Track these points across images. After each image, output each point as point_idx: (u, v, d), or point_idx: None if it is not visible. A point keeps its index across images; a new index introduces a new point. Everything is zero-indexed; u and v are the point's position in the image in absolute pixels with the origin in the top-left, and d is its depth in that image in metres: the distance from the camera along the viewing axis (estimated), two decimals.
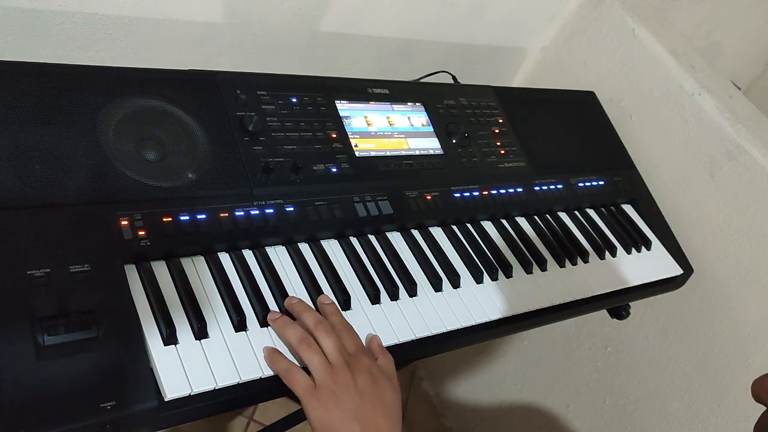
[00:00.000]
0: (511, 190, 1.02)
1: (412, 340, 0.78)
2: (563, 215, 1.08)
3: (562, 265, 0.99)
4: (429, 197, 0.92)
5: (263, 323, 0.70)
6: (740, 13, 2.00)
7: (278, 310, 0.72)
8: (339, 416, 0.65)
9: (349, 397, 0.66)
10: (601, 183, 1.16)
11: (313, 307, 0.74)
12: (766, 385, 0.53)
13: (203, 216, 0.72)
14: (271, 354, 0.67)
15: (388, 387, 0.69)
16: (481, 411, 1.76)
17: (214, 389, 0.63)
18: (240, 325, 0.68)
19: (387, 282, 0.81)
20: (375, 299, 0.78)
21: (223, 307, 0.69)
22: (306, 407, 0.66)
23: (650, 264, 1.10)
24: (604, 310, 1.15)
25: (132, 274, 0.66)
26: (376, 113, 0.95)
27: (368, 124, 0.93)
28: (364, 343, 0.73)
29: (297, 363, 0.68)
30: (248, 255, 0.75)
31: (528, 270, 0.94)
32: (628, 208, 1.19)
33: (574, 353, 1.49)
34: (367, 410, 0.66)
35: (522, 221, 1.02)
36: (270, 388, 0.67)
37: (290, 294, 0.74)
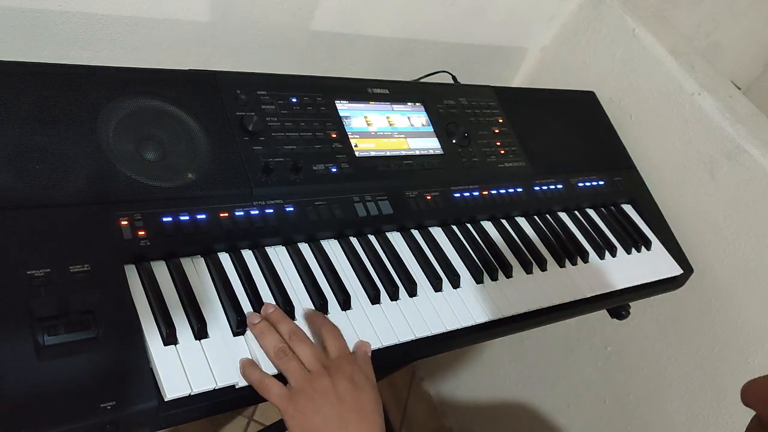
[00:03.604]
0: (511, 190, 1.02)
1: (412, 340, 0.78)
2: (563, 215, 1.08)
3: (562, 265, 0.99)
4: (429, 197, 0.92)
5: None
6: (740, 13, 2.00)
7: (258, 313, 0.70)
8: (318, 423, 0.63)
9: (329, 402, 0.64)
10: (601, 183, 1.16)
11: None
12: (755, 389, 0.51)
13: (203, 216, 0.72)
14: (245, 366, 0.65)
15: (371, 394, 0.67)
16: (482, 411, 1.76)
17: (214, 389, 0.63)
18: (240, 325, 0.68)
19: (387, 282, 0.81)
20: (375, 299, 0.78)
21: (223, 307, 0.69)
22: (284, 415, 0.64)
23: (650, 264, 1.10)
24: (604, 310, 1.15)
25: (132, 274, 0.66)
26: (376, 113, 0.95)
27: (368, 124, 0.93)
28: (351, 350, 0.71)
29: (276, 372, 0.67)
30: (248, 255, 0.75)
31: (528, 270, 0.94)
32: (628, 208, 1.19)
33: (574, 353, 1.49)
34: (348, 416, 0.64)
35: (522, 221, 1.02)
36: None
37: (290, 294, 0.74)
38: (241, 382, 0.64)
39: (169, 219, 0.70)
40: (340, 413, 0.64)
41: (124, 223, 0.67)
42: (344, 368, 0.67)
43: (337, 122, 0.89)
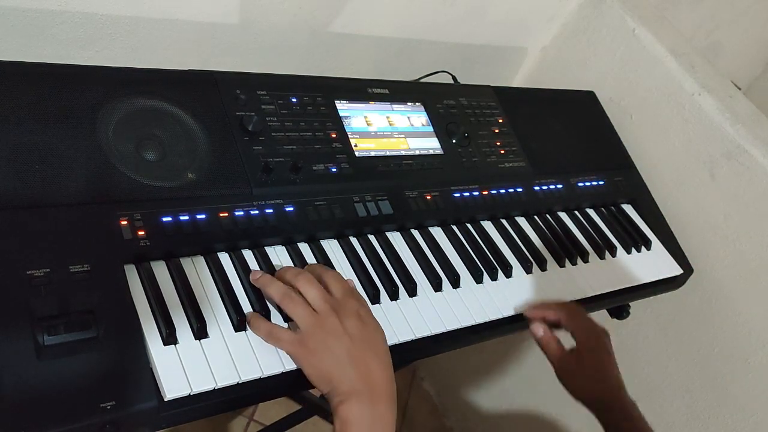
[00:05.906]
0: (511, 190, 1.02)
1: (412, 340, 0.78)
2: (563, 215, 1.08)
3: (562, 265, 0.99)
4: (429, 197, 0.92)
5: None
6: (740, 13, 2.00)
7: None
8: (331, 361, 0.64)
9: (339, 340, 0.65)
10: (601, 183, 1.16)
11: None
12: None
13: (203, 216, 0.72)
14: (253, 320, 0.67)
15: (376, 328, 0.69)
16: (482, 410, 1.76)
17: (214, 389, 0.63)
18: (240, 324, 0.68)
19: (387, 282, 0.81)
20: (375, 299, 0.78)
21: (223, 307, 0.69)
22: (297, 360, 0.65)
23: (650, 264, 1.10)
24: (604, 310, 1.15)
25: (132, 274, 0.66)
26: (376, 113, 0.95)
27: (368, 124, 0.93)
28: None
29: (286, 326, 0.69)
30: (248, 255, 0.75)
31: (528, 270, 0.94)
32: (628, 208, 1.19)
33: None
34: (358, 352, 0.65)
35: (522, 221, 1.02)
36: (270, 388, 0.67)
37: None
38: (243, 378, 0.65)
39: (169, 219, 0.70)
40: (351, 350, 0.65)
41: (124, 223, 0.67)
42: (350, 305, 0.68)
43: (337, 122, 0.89)
